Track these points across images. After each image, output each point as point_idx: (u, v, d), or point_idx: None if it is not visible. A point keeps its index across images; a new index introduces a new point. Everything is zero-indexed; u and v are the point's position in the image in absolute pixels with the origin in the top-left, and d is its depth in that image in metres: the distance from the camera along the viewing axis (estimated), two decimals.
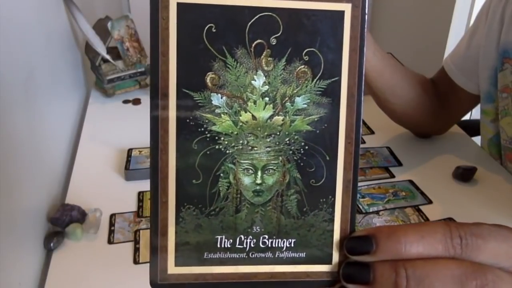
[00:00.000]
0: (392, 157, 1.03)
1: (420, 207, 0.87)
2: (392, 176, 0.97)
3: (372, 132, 1.13)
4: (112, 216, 0.84)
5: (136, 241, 0.78)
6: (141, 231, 0.80)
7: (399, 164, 1.01)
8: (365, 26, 0.31)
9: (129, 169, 0.94)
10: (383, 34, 2.40)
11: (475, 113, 1.25)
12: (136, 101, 1.26)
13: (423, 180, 0.95)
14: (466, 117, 1.14)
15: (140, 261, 0.74)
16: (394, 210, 0.86)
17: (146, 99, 1.27)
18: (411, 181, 0.95)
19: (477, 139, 1.12)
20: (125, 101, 1.27)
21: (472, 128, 1.17)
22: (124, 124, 1.15)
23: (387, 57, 0.89)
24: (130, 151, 1.01)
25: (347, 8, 0.30)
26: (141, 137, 1.02)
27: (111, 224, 0.82)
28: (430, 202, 0.89)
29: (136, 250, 0.76)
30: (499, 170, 0.99)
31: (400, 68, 0.93)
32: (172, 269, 0.32)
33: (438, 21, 2.04)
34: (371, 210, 0.86)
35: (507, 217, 0.85)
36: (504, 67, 0.91)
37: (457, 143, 1.09)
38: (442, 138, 1.10)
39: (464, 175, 0.95)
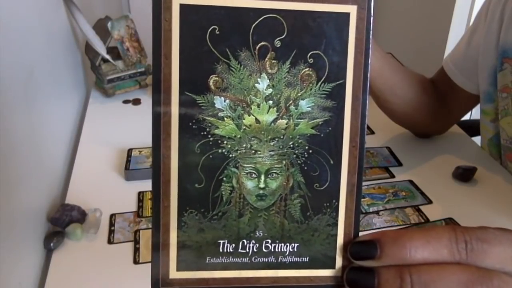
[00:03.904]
0: (392, 157, 1.03)
1: (420, 207, 0.87)
2: (392, 176, 0.97)
3: (372, 132, 1.12)
4: (112, 216, 0.83)
5: (136, 241, 0.78)
6: (141, 231, 0.80)
7: (399, 164, 1.01)
8: (371, 28, 0.30)
9: (129, 169, 0.94)
10: (383, 34, 2.39)
11: (475, 113, 1.25)
12: (136, 101, 1.26)
13: (423, 180, 0.95)
14: (466, 117, 1.14)
15: (140, 261, 0.74)
16: (394, 210, 0.86)
17: (146, 99, 1.27)
18: (411, 181, 0.95)
19: (477, 139, 1.12)
20: (125, 101, 1.27)
21: (472, 128, 1.17)
22: (124, 124, 1.15)
23: (386, 57, 0.89)
24: (130, 151, 1.00)
25: (352, 10, 0.30)
26: (141, 137, 1.02)
27: (111, 224, 0.82)
28: (430, 202, 0.89)
29: (136, 250, 0.76)
30: (499, 170, 0.99)
31: (400, 68, 0.93)
32: (174, 273, 0.31)
33: (438, 21, 2.04)
34: (371, 210, 0.86)
35: (507, 217, 0.85)
36: (504, 67, 0.90)
37: (457, 143, 1.09)
38: (442, 138, 1.10)
39: (464, 175, 0.94)
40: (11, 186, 0.68)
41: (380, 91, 0.91)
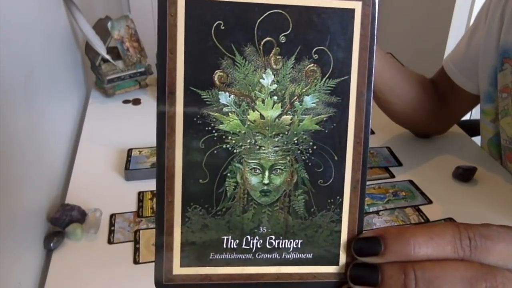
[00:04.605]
0: (392, 157, 1.03)
1: (420, 207, 0.87)
2: (392, 176, 0.97)
3: (372, 132, 1.12)
4: (112, 216, 0.83)
5: (136, 241, 0.78)
6: (141, 231, 0.80)
7: (399, 164, 1.01)
8: (376, 25, 0.30)
9: (129, 169, 0.94)
10: (383, 34, 2.40)
11: (475, 113, 1.25)
12: (136, 101, 1.26)
13: (423, 180, 0.95)
14: (466, 117, 1.14)
15: (140, 261, 0.74)
16: (394, 210, 0.86)
17: (146, 99, 1.27)
18: (411, 181, 0.95)
19: (477, 139, 1.12)
20: (125, 101, 1.27)
21: (472, 128, 1.17)
22: (124, 124, 1.15)
23: (386, 57, 0.89)
24: (130, 151, 1.00)
25: (357, 6, 0.30)
26: (141, 137, 1.02)
27: (111, 224, 0.82)
28: (430, 202, 0.89)
29: (136, 250, 0.76)
30: (499, 170, 0.99)
31: (400, 68, 0.93)
32: (178, 269, 0.31)
33: (438, 21, 2.05)
34: (371, 210, 0.86)
35: (507, 217, 0.85)
36: (504, 67, 0.90)
37: (457, 143, 1.09)
38: (442, 138, 1.10)
39: (464, 175, 0.95)
40: (11, 186, 0.68)
41: (381, 91, 0.91)
